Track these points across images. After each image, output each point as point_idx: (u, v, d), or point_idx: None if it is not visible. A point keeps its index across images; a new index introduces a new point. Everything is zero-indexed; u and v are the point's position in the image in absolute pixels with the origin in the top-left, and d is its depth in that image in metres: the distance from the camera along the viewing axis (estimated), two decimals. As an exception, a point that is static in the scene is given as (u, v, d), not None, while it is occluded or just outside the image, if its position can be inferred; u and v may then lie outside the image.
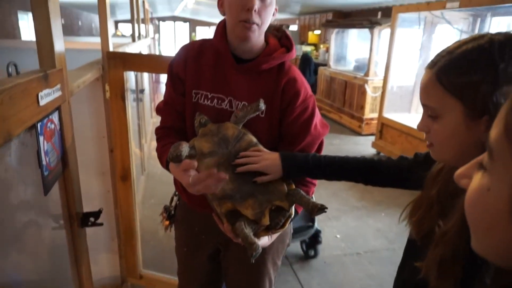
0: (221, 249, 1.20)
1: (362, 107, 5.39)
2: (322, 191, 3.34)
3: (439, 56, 0.64)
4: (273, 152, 0.97)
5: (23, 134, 0.78)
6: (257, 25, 0.93)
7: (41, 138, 0.81)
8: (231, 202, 0.89)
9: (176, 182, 1.16)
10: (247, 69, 0.99)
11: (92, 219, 1.10)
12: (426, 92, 0.65)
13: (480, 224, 0.38)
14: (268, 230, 0.91)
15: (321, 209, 0.87)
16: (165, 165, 1.00)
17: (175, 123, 1.08)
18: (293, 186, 0.95)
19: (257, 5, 0.90)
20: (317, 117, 1.05)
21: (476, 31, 3.95)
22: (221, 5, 0.99)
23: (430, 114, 0.65)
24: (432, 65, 0.64)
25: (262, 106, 0.94)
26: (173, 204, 1.28)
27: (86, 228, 1.15)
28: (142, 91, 3.63)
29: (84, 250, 1.14)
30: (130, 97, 1.79)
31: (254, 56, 1.00)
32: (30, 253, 1.04)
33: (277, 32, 1.06)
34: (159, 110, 1.11)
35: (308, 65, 7.51)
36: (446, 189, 0.68)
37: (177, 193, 1.25)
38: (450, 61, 0.61)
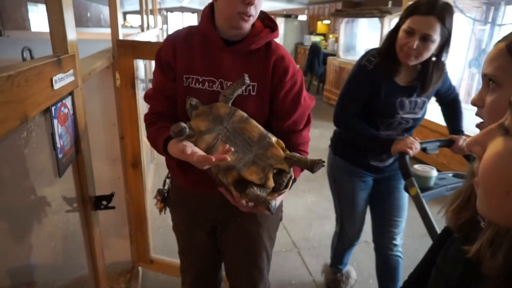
0: (218, 227, 1.24)
1: (371, 98, 5.34)
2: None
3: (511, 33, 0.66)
4: None
5: (38, 118, 0.80)
6: (253, 16, 0.97)
7: (55, 121, 0.83)
8: (235, 171, 0.94)
9: (170, 165, 1.19)
10: (237, 50, 1.03)
11: (104, 202, 1.13)
12: (491, 60, 0.66)
13: (497, 189, 0.39)
14: (274, 192, 0.97)
15: (320, 163, 0.92)
16: (162, 147, 1.00)
17: (165, 109, 1.09)
18: (288, 152, 1.00)
19: None
20: (304, 91, 1.10)
21: (490, 20, 3.88)
22: None
23: (491, 78, 0.66)
24: (503, 39, 0.66)
25: (247, 80, 0.98)
26: (166, 187, 1.30)
27: (99, 214, 1.18)
28: (151, 80, 3.65)
29: (97, 232, 1.18)
30: (139, 86, 1.81)
31: (240, 38, 1.04)
32: (45, 236, 1.07)
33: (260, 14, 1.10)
34: (148, 97, 1.12)
35: (317, 55, 7.46)
36: None
37: (169, 175, 1.27)
38: None
